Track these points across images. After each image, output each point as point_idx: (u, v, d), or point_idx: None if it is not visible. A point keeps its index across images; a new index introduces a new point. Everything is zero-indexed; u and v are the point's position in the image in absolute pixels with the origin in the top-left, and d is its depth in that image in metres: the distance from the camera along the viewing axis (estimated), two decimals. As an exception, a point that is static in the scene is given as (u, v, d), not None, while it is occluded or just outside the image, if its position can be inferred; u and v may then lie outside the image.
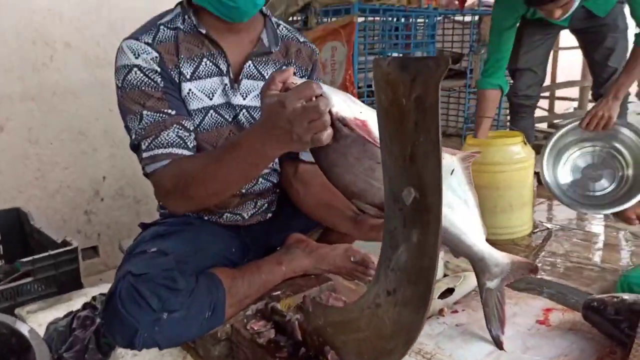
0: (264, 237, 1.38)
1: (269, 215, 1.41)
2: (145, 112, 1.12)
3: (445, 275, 1.63)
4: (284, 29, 1.34)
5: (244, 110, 1.26)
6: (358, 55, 2.59)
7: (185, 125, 1.15)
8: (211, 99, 1.22)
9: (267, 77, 1.28)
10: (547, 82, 3.67)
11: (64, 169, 2.63)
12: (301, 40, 1.36)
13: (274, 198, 1.41)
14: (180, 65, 1.18)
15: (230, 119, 1.25)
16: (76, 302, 1.40)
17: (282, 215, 1.41)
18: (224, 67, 1.22)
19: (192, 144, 1.16)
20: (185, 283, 1.07)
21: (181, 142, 1.13)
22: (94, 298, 1.31)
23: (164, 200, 1.19)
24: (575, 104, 4.57)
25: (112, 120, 2.60)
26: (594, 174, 2.17)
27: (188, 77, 1.19)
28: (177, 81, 1.19)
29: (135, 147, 1.16)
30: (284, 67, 1.31)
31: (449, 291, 1.50)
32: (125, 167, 2.84)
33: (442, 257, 1.67)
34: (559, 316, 1.28)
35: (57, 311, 1.36)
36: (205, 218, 1.31)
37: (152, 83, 1.14)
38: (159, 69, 1.15)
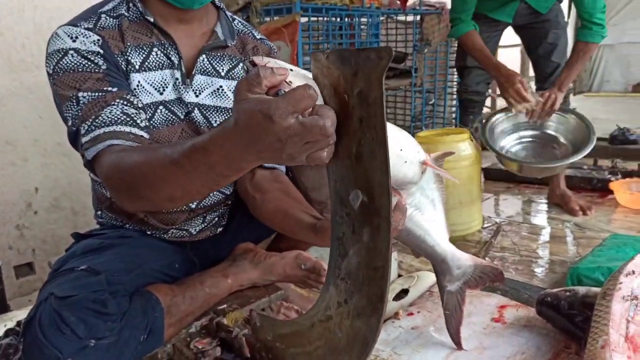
0: (212, 252, 1.27)
1: (219, 229, 1.31)
2: (81, 94, 0.97)
3: (399, 276, 1.60)
4: (239, 23, 1.26)
5: (196, 109, 1.15)
6: (302, 56, 2.54)
7: (132, 100, 1.00)
8: (162, 94, 1.10)
9: (222, 73, 1.18)
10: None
11: (-12, 181, 2.44)
12: (257, 37, 1.28)
13: (225, 211, 1.31)
14: (128, 53, 1.06)
15: (182, 116, 1.13)
16: (0, 327, 1.26)
17: (233, 228, 1.32)
18: (175, 60, 1.11)
19: (142, 123, 1.01)
20: (116, 307, 0.96)
21: (128, 119, 0.97)
22: (18, 323, 1.18)
23: (113, 195, 0.99)
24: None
25: (42, 128, 2.44)
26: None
27: (137, 67, 1.07)
28: (125, 70, 1.05)
29: (74, 136, 1.00)
30: (240, 64, 1.22)
31: (404, 292, 1.47)
32: (60, 177, 2.67)
33: (395, 257, 1.64)
34: (513, 313, 1.27)
35: (-21, 340, 1.23)
36: (148, 233, 1.21)
37: (91, 65, 1.00)
38: (101, 51, 1.02)
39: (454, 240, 1.94)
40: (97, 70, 1.00)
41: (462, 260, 1.05)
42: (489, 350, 1.12)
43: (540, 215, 2.27)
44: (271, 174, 1.22)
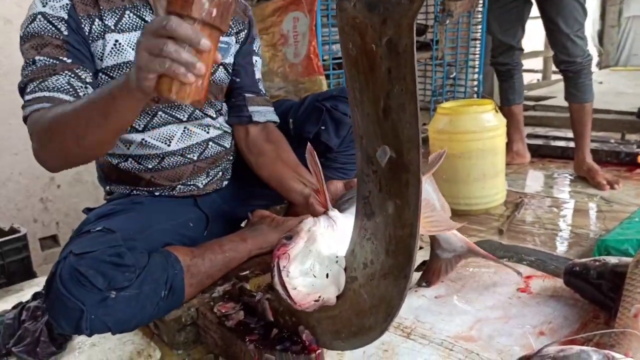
0: (223, 205, 1.31)
1: (225, 182, 1.34)
2: (38, 57, 1.02)
3: (420, 248, 1.58)
4: None
5: None
6: (321, 27, 2.49)
7: (80, 75, 1.04)
8: None
9: None
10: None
11: (14, 155, 2.48)
12: None
13: (228, 165, 1.34)
14: (103, 16, 1.09)
15: None
16: (27, 292, 1.29)
17: (241, 182, 1.34)
18: (150, 19, 1.12)
19: (84, 95, 1.04)
20: (133, 259, 0.98)
21: (71, 89, 1.02)
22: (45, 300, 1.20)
23: (35, 153, 1.02)
24: (540, 75, 4.60)
25: (64, 102, 2.45)
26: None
27: (113, 27, 1.10)
28: (93, 32, 1.08)
29: (21, 93, 1.05)
30: None
31: (424, 264, 1.46)
32: (82, 151, 2.70)
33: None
34: (539, 283, 1.24)
35: (6, 303, 1.26)
36: (157, 194, 1.22)
37: (54, 30, 1.04)
38: (66, 17, 1.05)
39: (477, 214, 1.95)
40: (57, 37, 1.04)
41: (454, 240, 1.15)
42: (514, 319, 1.10)
43: (565, 189, 2.21)
44: (263, 131, 1.28)
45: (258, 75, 1.35)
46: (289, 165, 1.23)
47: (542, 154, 2.66)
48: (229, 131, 1.30)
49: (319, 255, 0.80)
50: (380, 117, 0.64)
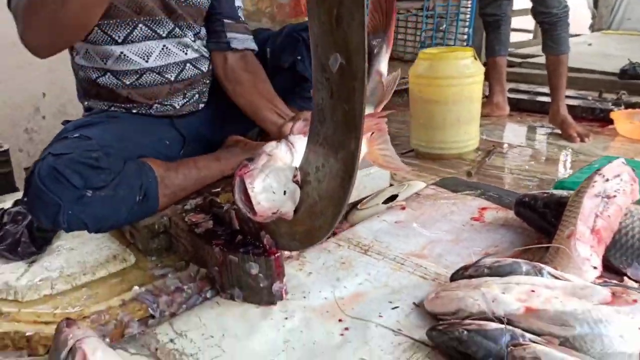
0: (200, 127, 1.36)
1: (201, 105, 1.39)
2: None
3: (391, 185, 1.65)
4: None
5: None
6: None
7: None
8: None
9: None
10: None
11: (-2, 84, 2.48)
12: None
13: (204, 89, 1.39)
14: None
15: None
16: (9, 202, 1.35)
17: (217, 107, 1.39)
18: None
19: None
20: (109, 163, 1.04)
21: None
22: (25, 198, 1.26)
23: (21, 36, 1.03)
24: (531, 35, 4.60)
25: (49, 30, 2.44)
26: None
27: None
28: None
29: None
30: None
31: (393, 197, 1.54)
32: (67, 83, 2.68)
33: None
34: (493, 214, 1.33)
35: (-10, 212, 1.32)
36: (134, 111, 1.27)
37: None
38: None
39: (449, 158, 2.02)
40: None
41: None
42: (464, 242, 1.19)
43: (538, 140, 2.29)
44: (242, 60, 1.33)
45: (238, 2, 1.38)
46: (264, 95, 1.28)
47: (521, 107, 2.72)
48: (207, 55, 1.34)
49: (277, 174, 0.87)
50: (334, 26, 0.69)
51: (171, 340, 0.91)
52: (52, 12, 0.92)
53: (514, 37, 4.59)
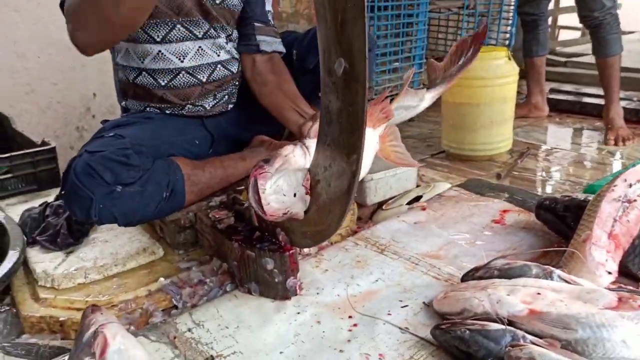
0: (228, 127, 1.42)
1: (230, 106, 1.44)
2: None
3: (418, 186, 1.66)
4: None
5: None
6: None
7: None
8: None
9: None
10: (551, 5, 3.54)
11: (53, 85, 2.63)
12: None
13: (233, 90, 1.44)
14: None
15: None
16: (52, 197, 1.45)
17: (245, 108, 1.45)
18: None
19: None
20: (139, 160, 1.11)
21: None
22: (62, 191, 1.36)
23: (71, 35, 1.06)
24: (579, 33, 4.44)
25: (98, 34, 2.58)
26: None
27: None
28: None
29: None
30: None
31: (417, 199, 1.55)
32: (116, 84, 2.84)
33: (416, 169, 1.70)
34: (514, 217, 1.32)
35: (36, 204, 1.42)
36: (167, 112, 1.34)
37: None
38: None
39: (480, 160, 2.00)
40: None
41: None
42: (482, 244, 1.19)
43: (575, 142, 2.23)
44: (269, 62, 1.38)
45: (268, 7, 1.43)
46: (288, 96, 1.32)
47: (561, 108, 2.65)
48: (237, 57, 1.40)
49: (289, 177, 0.91)
50: (338, 31, 0.72)
51: (189, 330, 0.97)
52: (103, 12, 0.96)
53: (561, 35, 4.46)
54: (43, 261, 1.19)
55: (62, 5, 1.12)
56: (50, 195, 1.51)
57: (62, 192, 1.12)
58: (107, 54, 2.68)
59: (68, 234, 1.24)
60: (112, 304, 1.08)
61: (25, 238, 1.23)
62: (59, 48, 2.57)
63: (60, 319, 1.05)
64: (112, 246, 1.26)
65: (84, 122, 2.80)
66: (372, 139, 0.98)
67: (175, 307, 1.10)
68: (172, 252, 1.27)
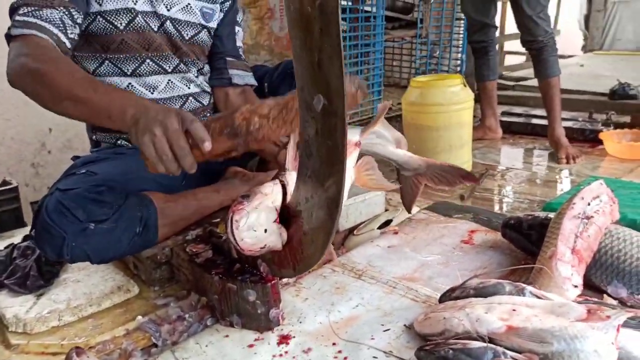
0: None
1: None
2: None
3: (386, 210, 1.71)
4: None
5: (168, 21, 1.30)
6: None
7: (74, 15, 1.14)
8: (135, 4, 1.24)
9: None
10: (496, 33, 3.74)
11: (6, 121, 2.56)
12: None
13: None
14: None
15: (156, 29, 1.28)
16: (18, 237, 1.41)
17: None
18: None
19: (72, 35, 1.13)
20: (112, 197, 1.11)
21: (61, 25, 1.11)
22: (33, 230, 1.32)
23: (9, 77, 1.07)
24: (523, 58, 4.69)
25: (55, 69, 2.54)
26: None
27: None
28: None
29: (12, 11, 1.12)
30: None
31: (387, 223, 1.59)
32: (73, 120, 2.79)
33: (384, 193, 1.76)
34: (482, 236, 1.38)
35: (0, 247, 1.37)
36: None
37: None
38: None
39: (441, 181, 2.07)
40: None
41: (411, 161, 1.29)
42: (454, 265, 1.24)
43: (530, 162, 2.35)
44: (242, 94, 1.41)
45: (239, 43, 1.47)
46: None
47: (514, 130, 2.79)
48: (208, 90, 1.43)
49: (261, 214, 0.93)
50: (316, 69, 0.76)
51: (173, 367, 0.96)
52: (55, 101, 1.00)
53: (507, 61, 4.71)
54: (13, 305, 1.15)
55: (7, 37, 1.12)
56: (15, 236, 1.47)
57: (33, 231, 1.10)
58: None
59: (38, 275, 1.21)
60: (89, 345, 1.06)
61: (-8, 282, 1.19)
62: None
63: (35, 365, 1.02)
64: (85, 286, 1.23)
65: (39, 158, 2.73)
66: (347, 170, 1.02)
67: (155, 345, 1.08)
68: (148, 289, 1.25)
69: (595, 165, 2.21)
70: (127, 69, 1.28)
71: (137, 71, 1.29)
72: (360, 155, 1.09)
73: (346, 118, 0.74)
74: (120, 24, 1.22)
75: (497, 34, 3.58)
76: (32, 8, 1.09)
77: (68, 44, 1.13)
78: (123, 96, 0.99)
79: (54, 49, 1.07)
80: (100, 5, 1.20)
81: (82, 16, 1.17)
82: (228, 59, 1.42)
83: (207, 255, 1.16)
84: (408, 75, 3.83)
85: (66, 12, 1.12)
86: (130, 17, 1.23)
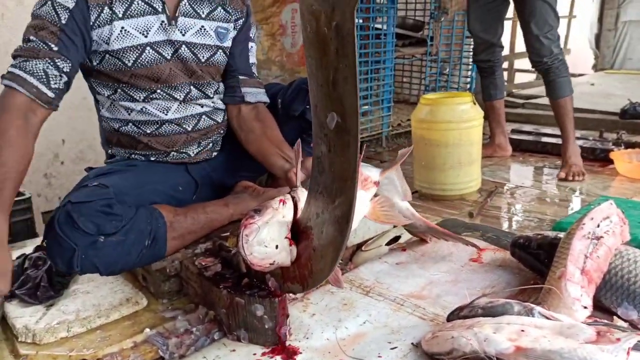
0: (212, 173, 1.45)
1: (214, 153, 1.48)
2: (33, 37, 1.17)
3: (394, 227, 1.71)
4: None
5: (183, 46, 1.31)
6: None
7: (59, 64, 1.17)
8: (146, 37, 1.26)
9: (203, 15, 1.33)
10: (506, 51, 3.75)
11: (20, 131, 2.59)
12: None
13: (218, 138, 1.48)
14: (113, 3, 1.22)
15: (169, 57, 1.30)
16: (30, 248, 1.43)
17: (229, 154, 1.48)
18: (158, 6, 1.26)
19: (55, 85, 1.18)
20: (122, 210, 1.12)
21: (44, 76, 1.15)
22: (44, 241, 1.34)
23: None
24: (534, 75, 4.70)
25: (70, 81, 2.59)
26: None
27: (120, 15, 1.23)
28: (101, 19, 1.21)
29: (12, 59, 1.19)
30: (218, 7, 1.37)
31: (396, 239, 1.59)
32: (86, 130, 2.82)
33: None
34: (490, 255, 1.38)
35: (12, 257, 1.39)
36: (152, 159, 1.36)
37: (54, 17, 1.17)
38: (71, 6, 1.18)
39: (451, 199, 2.08)
40: (55, 24, 1.18)
41: (414, 219, 1.39)
42: (462, 283, 1.24)
43: (539, 181, 2.34)
44: (254, 110, 1.42)
45: (252, 60, 1.49)
46: (273, 142, 1.36)
47: (523, 148, 2.78)
48: (222, 108, 1.45)
49: (273, 229, 0.94)
50: (330, 88, 0.77)
51: (180, 380, 0.96)
52: None
53: (517, 79, 4.71)
54: (23, 316, 1.16)
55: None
56: (27, 247, 1.48)
57: (44, 243, 1.12)
58: (77, 99, 2.68)
59: (48, 286, 1.22)
60: (97, 357, 1.06)
61: (3, 292, 1.20)
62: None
63: (44, 375, 1.02)
64: (94, 297, 1.24)
65: (52, 169, 2.75)
66: (363, 199, 1.05)
67: (162, 358, 1.08)
68: (156, 302, 1.26)
69: (606, 184, 2.19)
70: (139, 97, 1.31)
71: (149, 97, 1.32)
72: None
73: (359, 138, 0.75)
74: (128, 60, 1.25)
75: (507, 52, 3.60)
76: (21, 60, 1.16)
77: (50, 94, 1.17)
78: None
79: (17, 119, 1.12)
80: (108, 44, 1.23)
81: (71, 64, 1.20)
82: (241, 77, 1.43)
83: (216, 269, 1.16)
84: (418, 92, 3.84)
85: (51, 63, 1.17)
86: (137, 53, 1.26)
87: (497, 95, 2.59)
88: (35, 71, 1.15)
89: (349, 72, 0.74)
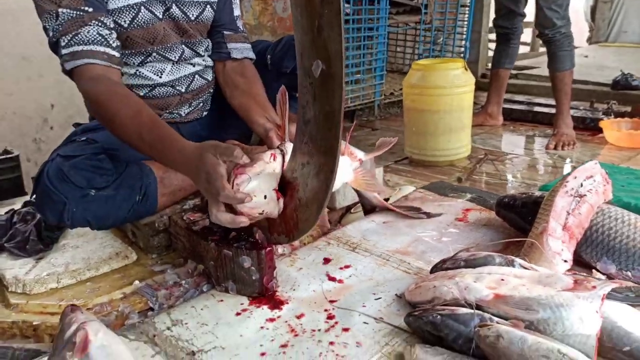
0: (202, 131, 1.45)
1: (204, 113, 1.47)
2: (61, 10, 1.11)
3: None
4: None
5: (174, 5, 1.28)
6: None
7: (105, 22, 1.14)
8: None
9: None
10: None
11: (8, 95, 2.57)
12: None
13: (208, 97, 1.48)
14: None
15: (161, 16, 1.27)
16: (18, 205, 1.43)
17: (218, 113, 1.48)
18: None
19: (114, 43, 1.15)
20: (112, 165, 1.12)
21: (102, 39, 1.12)
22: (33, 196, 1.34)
23: (85, 101, 1.18)
24: (528, 48, 4.69)
25: (58, 44, 2.55)
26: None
27: None
28: None
29: (54, 45, 1.14)
30: None
31: (385, 200, 1.61)
32: (75, 95, 2.78)
33: (381, 174, 1.78)
34: (476, 215, 1.39)
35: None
36: None
37: None
38: None
39: (442, 165, 2.09)
40: None
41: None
42: (447, 240, 1.26)
43: (529, 148, 2.36)
44: (240, 66, 1.41)
45: (237, 12, 1.46)
46: (256, 100, 1.34)
47: (514, 117, 2.80)
48: (211, 65, 1.44)
49: (262, 180, 0.95)
50: (315, 35, 0.77)
51: (168, 328, 0.98)
52: (128, 138, 1.06)
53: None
54: (13, 267, 1.18)
55: (65, 72, 1.14)
56: (15, 204, 1.49)
57: (34, 197, 1.12)
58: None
59: (37, 240, 1.23)
60: (86, 307, 1.08)
61: (-8, 245, 1.21)
62: (13, 58, 2.51)
63: (34, 323, 1.04)
64: (84, 251, 1.26)
65: (41, 133, 2.74)
66: (347, 165, 1.09)
67: (152, 309, 1.10)
68: (145, 256, 1.27)
69: (595, 152, 2.22)
70: (135, 62, 1.29)
71: (143, 62, 1.30)
72: None
73: (344, 85, 0.75)
74: (125, 21, 1.21)
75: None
76: (71, 35, 1.10)
77: (116, 54, 1.15)
78: (175, 159, 1.03)
79: (113, 84, 1.11)
80: (106, 4, 1.20)
81: (110, 17, 1.17)
82: (226, 32, 1.41)
83: (204, 224, 1.17)
84: (410, 61, 3.81)
85: (99, 24, 1.13)
86: (133, 13, 1.22)
87: (506, 64, 2.59)
88: (92, 38, 1.11)
89: (333, 17, 0.73)
